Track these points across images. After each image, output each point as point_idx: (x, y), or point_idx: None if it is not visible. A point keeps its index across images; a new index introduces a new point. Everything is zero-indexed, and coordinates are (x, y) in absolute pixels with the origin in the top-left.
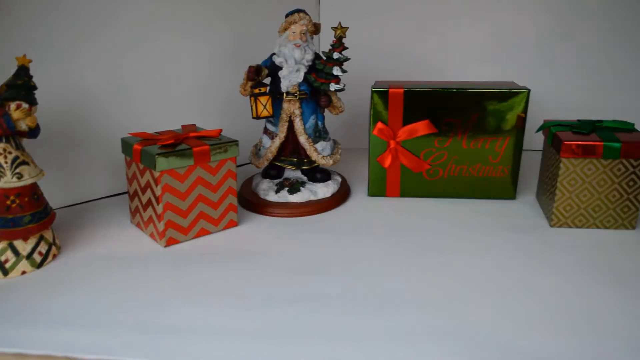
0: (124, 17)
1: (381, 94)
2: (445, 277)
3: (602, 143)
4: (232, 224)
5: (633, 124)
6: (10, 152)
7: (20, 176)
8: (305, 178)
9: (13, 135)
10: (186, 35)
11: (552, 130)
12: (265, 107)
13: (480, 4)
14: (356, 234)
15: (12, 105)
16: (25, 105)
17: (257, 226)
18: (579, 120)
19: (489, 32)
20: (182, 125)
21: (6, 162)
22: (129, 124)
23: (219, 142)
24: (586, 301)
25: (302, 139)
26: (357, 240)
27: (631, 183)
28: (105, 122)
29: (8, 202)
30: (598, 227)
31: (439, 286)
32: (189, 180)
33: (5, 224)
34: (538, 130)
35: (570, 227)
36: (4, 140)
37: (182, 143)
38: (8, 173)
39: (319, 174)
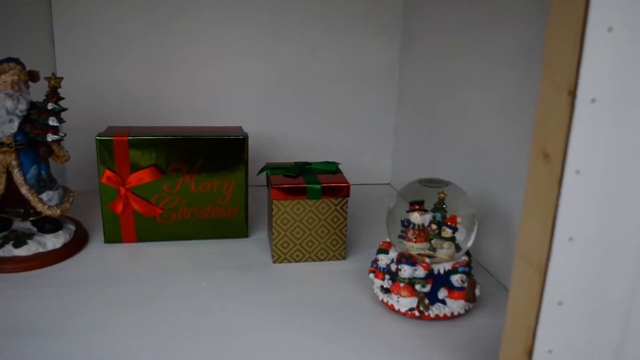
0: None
1: (106, 142)
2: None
3: (305, 186)
4: None
5: (336, 165)
6: None
7: None
8: (35, 229)
9: None
10: None
11: (269, 174)
12: None
13: (207, 52)
14: (85, 284)
15: None
16: None
17: None
18: (295, 163)
19: (216, 79)
20: None
21: None
22: None
23: None
24: (283, 333)
25: (24, 190)
26: (79, 292)
27: (335, 219)
28: None
29: None
30: (314, 260)
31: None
32: None
33: None
34: (258, 173)
35: (290, 262)
36: None
37: None
38: None
39: (47, 225)
